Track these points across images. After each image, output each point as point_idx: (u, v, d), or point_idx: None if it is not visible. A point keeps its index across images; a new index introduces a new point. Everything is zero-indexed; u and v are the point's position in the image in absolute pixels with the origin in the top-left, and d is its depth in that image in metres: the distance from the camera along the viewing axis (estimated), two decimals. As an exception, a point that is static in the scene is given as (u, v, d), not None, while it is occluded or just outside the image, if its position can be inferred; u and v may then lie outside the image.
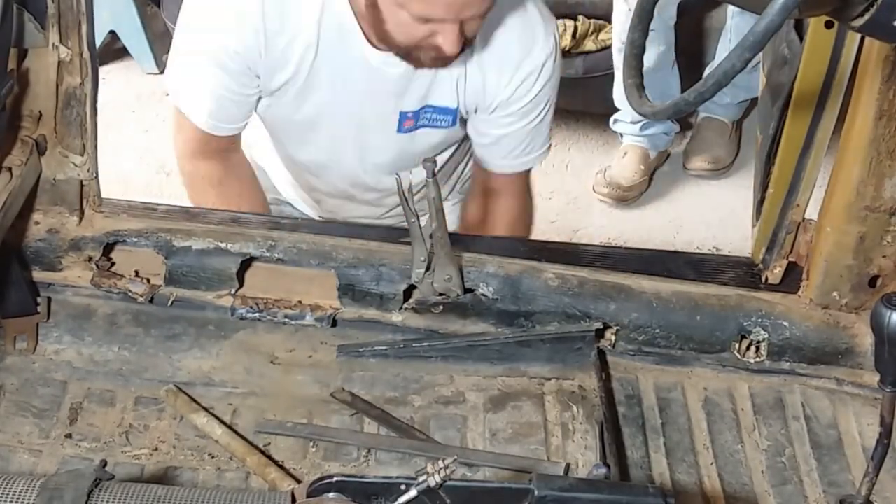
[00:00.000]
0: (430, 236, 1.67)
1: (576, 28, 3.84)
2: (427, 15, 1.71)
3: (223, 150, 2.05)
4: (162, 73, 4.45)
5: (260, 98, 1.98)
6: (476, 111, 2.02)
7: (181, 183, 2.14)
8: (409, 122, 1.98)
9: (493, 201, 2.19)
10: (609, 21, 3.88)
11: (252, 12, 1.84)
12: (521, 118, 2.04)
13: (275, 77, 1.92)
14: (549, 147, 2.16)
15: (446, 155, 2.19)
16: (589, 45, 3.87)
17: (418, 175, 1.85)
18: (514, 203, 2.21)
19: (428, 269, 1.71)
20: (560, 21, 3.84)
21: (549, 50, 1.97)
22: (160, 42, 4.37)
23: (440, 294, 1.73)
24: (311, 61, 1.89)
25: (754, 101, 3.70)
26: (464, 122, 2.05)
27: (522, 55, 1.95)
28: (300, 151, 2.11)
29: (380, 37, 1.82)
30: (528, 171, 2.22)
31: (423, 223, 1.66)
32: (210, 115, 1.98)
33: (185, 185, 2.11)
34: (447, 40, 1.73)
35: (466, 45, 1.79)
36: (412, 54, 1.83)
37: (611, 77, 3.73)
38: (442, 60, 1.82)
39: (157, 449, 1.55)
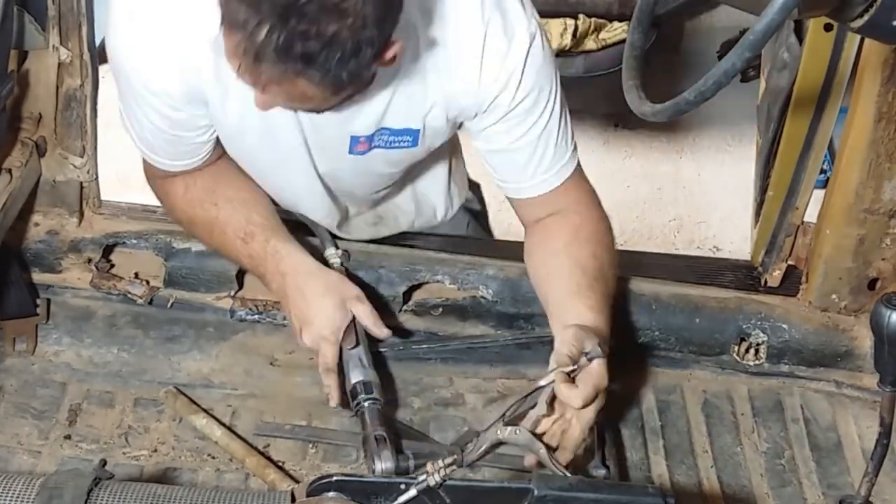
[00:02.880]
0: None
1: (576, 27, 3.83)
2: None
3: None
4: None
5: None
6: (462, 124, 1.66)
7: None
8: (363, 145, 1.64)
9: (555, 222, 1.67)
10: (610, 20, 3.88)
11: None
12: (522, 122, 1.61)
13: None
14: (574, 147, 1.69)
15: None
16: (590, 44, 3.87)
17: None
18: (579, 215, 1.67)
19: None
20: (560, 20, 3.84)
21: (529, 37, 1.54)
22: (160, 42, 4.36)
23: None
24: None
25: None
26: (427, 139, 1.65)
27: (493, 51, 1.54)
28: (268, 187, 1.78)
29: None
30: (574, 183, 1.68)
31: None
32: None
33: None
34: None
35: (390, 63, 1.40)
36: None
37: (611, 76, 3.72)
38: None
39: (156, 450, 1.55)
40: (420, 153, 1.69)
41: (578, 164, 1.68)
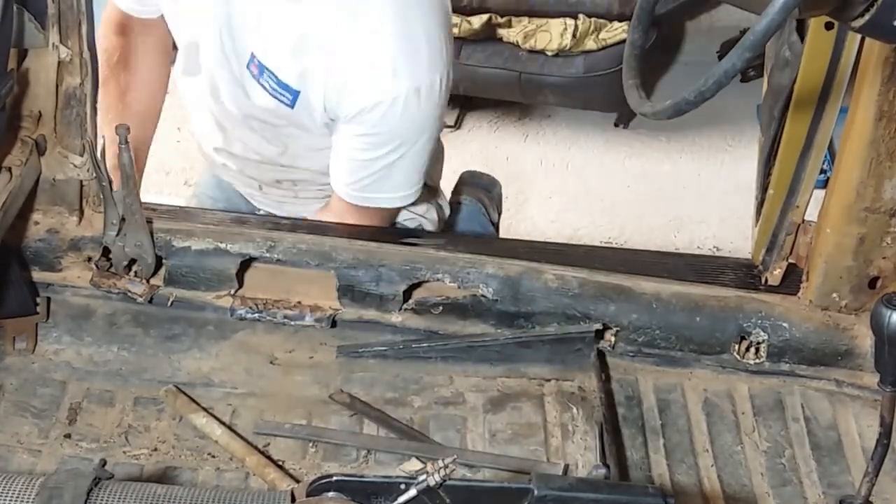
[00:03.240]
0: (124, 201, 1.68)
1: (576, 27, 3.84)
2: None
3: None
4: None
5: None
6: (335, 116, 1.80)
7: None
8: (255, 66, 1.81)
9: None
10: (610, 20, 3.88)
11: None
12: (365, 149, 1.81)
13: None
14: (413, 194, 1.90)
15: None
16: (589, 44, 3.87)
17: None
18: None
19: (119, 233, 1.71)
20: (560, 20, 3.85)
21: (395, 94, 1.71)
22: (160, 41, 4.36)
23: (132, 259, 1.73)
24: None
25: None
26: (302, 107, 1.81)
27: (362, 82, 1.72)
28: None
29: None
30: (373, 211, 1.92)
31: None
32: None
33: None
34: None
35: None
36: None
37: (611, 76, 3.72)
38: None
39: (156, 449, 1.55)
40: (294, 117, 1.82)
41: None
